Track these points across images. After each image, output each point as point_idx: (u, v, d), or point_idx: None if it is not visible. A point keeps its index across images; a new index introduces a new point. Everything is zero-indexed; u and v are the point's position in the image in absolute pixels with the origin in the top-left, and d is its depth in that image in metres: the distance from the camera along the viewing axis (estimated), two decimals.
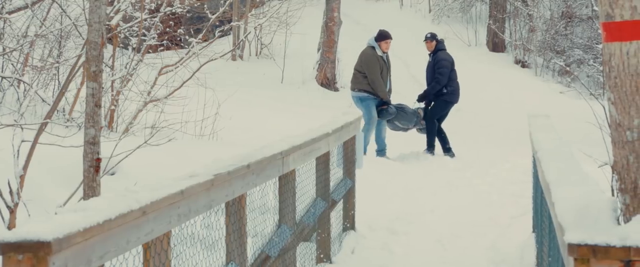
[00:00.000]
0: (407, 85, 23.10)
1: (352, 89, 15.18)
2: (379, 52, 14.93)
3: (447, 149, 15.66)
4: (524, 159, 13.77)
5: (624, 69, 4.02)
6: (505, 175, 13.69)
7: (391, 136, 15.53)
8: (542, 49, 27.15)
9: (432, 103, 15.73)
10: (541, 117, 9.91)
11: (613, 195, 4.28)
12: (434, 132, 15.75)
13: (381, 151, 15.10)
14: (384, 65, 15.02)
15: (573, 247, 3.66)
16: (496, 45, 27.63)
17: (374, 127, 14.99)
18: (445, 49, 16.05)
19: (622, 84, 4.03)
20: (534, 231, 9.10)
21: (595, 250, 3.63)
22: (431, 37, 15.88)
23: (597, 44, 25.43)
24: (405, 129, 15.59)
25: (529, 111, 12.11)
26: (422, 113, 15.56)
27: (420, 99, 15.83)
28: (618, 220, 4.04)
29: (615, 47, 4.06)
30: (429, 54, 15.93)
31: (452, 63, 15.91)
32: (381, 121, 15.08)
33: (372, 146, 15.09)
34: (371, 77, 14.84)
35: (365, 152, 14.72)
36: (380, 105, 14.96)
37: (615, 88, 4.07)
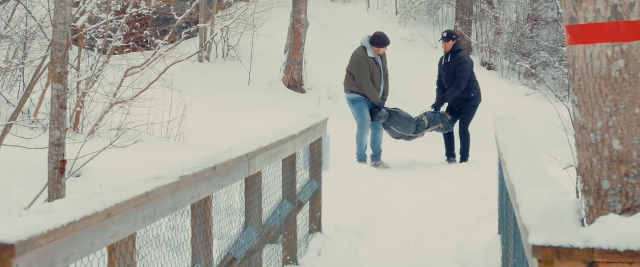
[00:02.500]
0: None
1: (345, 90, 14.83)
2: (371, 54, 14.45)
3: (452, 155, 15.22)
4: (490, 160, 13.82)
5: (588, 71, 4.05)
6: (471, 177, 13.72)
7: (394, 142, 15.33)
8: (508, 51, 27.27)
9: (456, 110, 14.95)
10: (507, 120, 9.95)
11: (578, 197, 4.30)
12: (469, 143, 14.96)
13: (375, 156, 14.80)
14: (376, 67, 14.49)
15: (537, 249, 3.68)
16: (463, 47, 27.72)
17: (368, 130, 14.65)
18: (462, 49, 15.30)
19: (586, 86, 4.06)
20: (499, 233, 9.13)
21: (559, 252, 3.65)
22: (448, 37, 14.95)
23: (562, 46, 25.56)
24: (407, 138, 15.06)
25: (495, 113, 12.14)
26: (426, 121, 14.93)
27: (438, 106, 15.06)
28: (582, 222, 4.06)
29: (579, 50, 4.08)
30: (446, 55, 14.98)
31: (472, 64, 15.19)
32: (378, 126, 14.73)
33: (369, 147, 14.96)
34: (359, 79, 14.45)
35: (363, 159, 14.66)
36: (373, 108, 14.59)
37: (579, 91, 4.09)
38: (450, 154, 15.25)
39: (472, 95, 14.83)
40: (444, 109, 15.17)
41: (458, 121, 15.05)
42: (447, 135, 15.21)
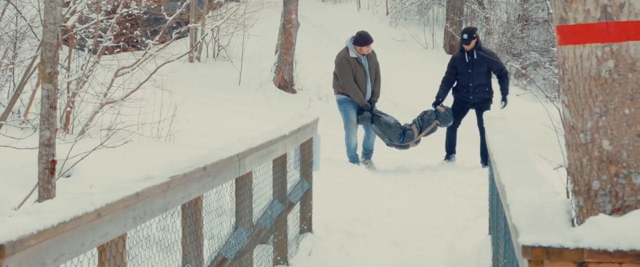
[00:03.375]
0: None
1: (334, 91, 14.71)
2: (353, 54, 14.21)
3: (453, 152, 15.01)
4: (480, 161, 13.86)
5: (578, 71, 4.05)
6: (461, 177, 13.73)
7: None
8: (499, 51, 27.26)
9: (473, 108, 14.62)
10: (497, 120, 9.96)
11: (568, 197, 4.31)
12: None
13: (366, 154, 14.73)
14: (359, 67, 14.23)
15: (527, 249, 3.68)
16: (453, 47, 27.72)
17: (353, 130, 14.45)
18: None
19: (576, 86, 4.06)
20: (490, 233, 9.14)
21: (549, 252, 3.65)
22: (469, 38, 14.44)
23: (553, 46, 25.60)
24: (399, 146, 14.71)
25: (486, 113, 12.16)
26: (416, 130, 14.53)
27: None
28: (572, 222, 4.06)
29: (569, 50, 4.09)
30: (469, 52, 14.54)
31: None
32: (368, 126, 14.56)
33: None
34: (342, 80, 14.27)
35: (354, 160, 14.50)
36: (360, 109, 14.38)
37: (569, 91, 4.10)
38: (450, 151, 15.05)
39: (492, 94, 14.76)
40: (449, 102, 14.90)
41: (477, 122, 14.37)
42: (449, 131, 14.94)
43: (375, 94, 14.55)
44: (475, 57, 14.54)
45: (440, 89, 14.90)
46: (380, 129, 14.47)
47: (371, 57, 14.42)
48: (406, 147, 14.78)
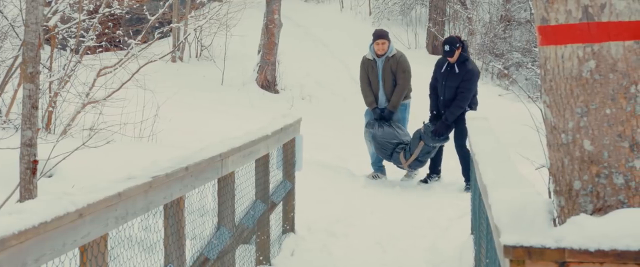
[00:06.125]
0: (348, 87, 23.16)
1: None
2: (370, 56, 13.43)
3: (435, 172, 13.55)
4: None
5: (559, 72, 4.07)
6: (444, 177, 13.75)
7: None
8: (481, 52, 27.36)
9: (449, 127, 13.08)
10: (479, 120, 9.98)
11: (549, 197, 4.32)
12: (469, 161, 11.87)
13: (372, 164, 13.91)
14: (373, 71, 13.43)
15: (509, 249, 3.69)
16: (436, 48, 27.76)
17: (366, 137, 13.71)
18: (469, 56, 13.25)
19: (557, 87, 4.07)
20: (472, 233, 9.16)
21: (531, 251, 3.67)
22: (450, 50, 12.80)
23: (535, 47, 25.67)
24: (397, 165, 13.42)
25: (468, 113, 12.17)
26: (402, 158, 13.22)
27: (436, 125, 13.03)
28: (554, 222, 4.08)
29: (550, 51, 4.10)
30: (447, 64, 13.02)
31: (479, 75, 13.24)
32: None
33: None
34: (360, 82, 13.72)
35: (377, 169, 13.71)
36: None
37: (551, 91, 4.11)
38: (433, 171, 13.59)
39: (467, 109, 12.64)
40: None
41: (453, 137, 13.22)
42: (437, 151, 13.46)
43: (391, 102, 13.47)
44: (455, 70, 12.97)
45: (430, 99, 13.43)
46: (375, 141, 13.44)
47: (389, 61, 13.40)
48: (401, 167, 13.52)
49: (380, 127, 13.42)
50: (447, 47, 12.94)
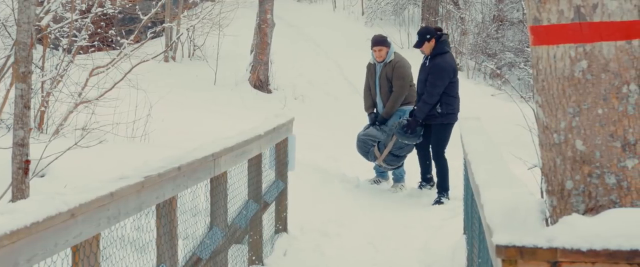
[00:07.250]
0: (341, 87, 23.17)
1: None
2: (371, 60, 13.19)
3: (426, 180, 12.92)
4: (455, 161, 13.84)
5: (551, 72, 4.07)
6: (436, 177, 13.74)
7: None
8: (474, 52, 27.39)
9: (420, 130, 12.40)
10: (472, 120, 9.99)
11: (542, 197, 4.33)
12: (446, 171, 12.24)
13: (375, 169, 13.56)
14: (371, 75, 13.18)
15: (501, 249, 3.70)
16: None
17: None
18: (448, 51, 12.42)
19: (549, 87, 4.08)
20: (464, 233, 9.17)
21: (523, 251, 3.67)
22: (420, 41, 12.22)
23: (527, 47, 25.69)
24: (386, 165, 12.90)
25: (460, 113, 12.18)
26: (377, 153, 12.71)
27: (410, 124, 12.35)
28: (546, 222, 4.08)
29: (542, 51, 4.10)
30: (426, 58, 12.41)
31: (454, 71, 12.33)
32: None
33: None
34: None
35: (379, 174, 13.46)
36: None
37: (543, 91, 4.11)
38: (423, 178, 12.95)
39: (440, 111, 12.21)
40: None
41: (429, 145, 12.61)
42: (421, 154, 12.80)
43: (385, 108, 13.05)
44: (426, 64, 12.39)
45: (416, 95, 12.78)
46: (357, 138, 13.14)
47: (387, 66, 13.01)
48: (379, 165, 13.00)
49: (366, 128, 13.17)
50: (417, 38, 12.52)
